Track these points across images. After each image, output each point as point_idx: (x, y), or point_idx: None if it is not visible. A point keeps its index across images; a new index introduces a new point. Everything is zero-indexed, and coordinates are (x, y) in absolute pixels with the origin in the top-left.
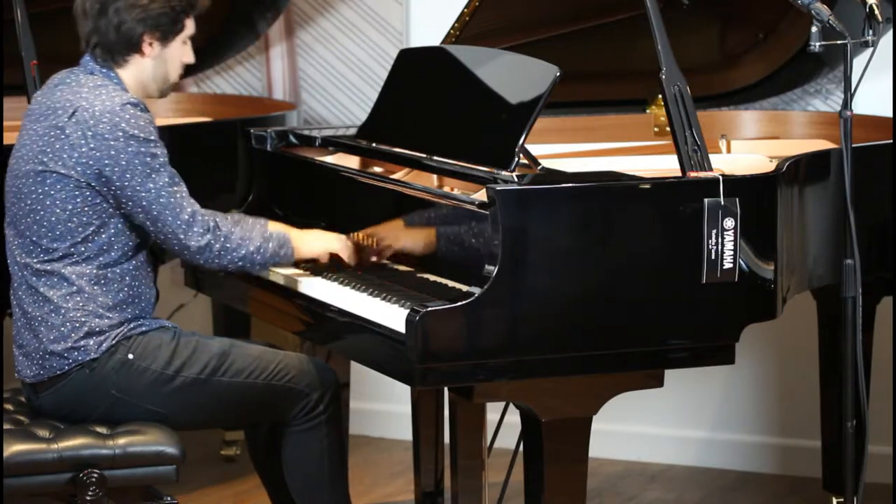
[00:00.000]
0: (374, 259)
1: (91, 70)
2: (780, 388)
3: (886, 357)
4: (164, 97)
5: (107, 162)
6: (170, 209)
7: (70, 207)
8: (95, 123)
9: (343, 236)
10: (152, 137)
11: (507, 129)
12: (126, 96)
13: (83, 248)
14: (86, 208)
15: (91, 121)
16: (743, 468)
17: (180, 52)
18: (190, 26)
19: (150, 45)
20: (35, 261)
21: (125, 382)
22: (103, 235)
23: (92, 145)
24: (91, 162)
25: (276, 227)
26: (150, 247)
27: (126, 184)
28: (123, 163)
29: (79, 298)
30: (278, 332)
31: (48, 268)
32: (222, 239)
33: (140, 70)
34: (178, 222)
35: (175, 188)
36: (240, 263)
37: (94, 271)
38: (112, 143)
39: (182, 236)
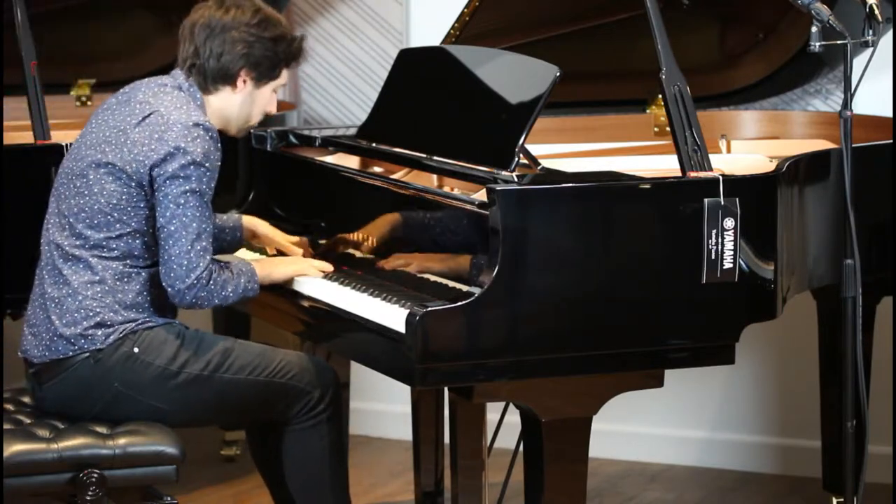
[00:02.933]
0: (382, 266)
1: (180, 85)
2: (780, 388)
3: (886, 357)
4: (238, 137)
5: (158, 162)
6: (187, 232)
7: (114, 202)
8: (165, 130)
9: (307, 260)
10: (206, 164)
11: (507, 129)
12: (204, 119)
13: (114, 245)
14: (129, 207)
15: (162, 126)
16: (743, 468)
17: (268, 98)
18: (284, 77)
19: (245, 82)
20: (66, 243)
21: (129, 376)
22: (137, 241)
23: (153, 147)
24: (146, 161)
25: (241, 260)
26: None
27: (165, 190)
28: (171, 170)
29: (99, 289)
30: (278, 331)
31: (77, 253)
32: (211, 283)
33: (226, 103)
34: (189, 248)
35: (202, 219)
36: (216, 302)
37: (120, 268)
38: (171, 149)
39: (185, 263)
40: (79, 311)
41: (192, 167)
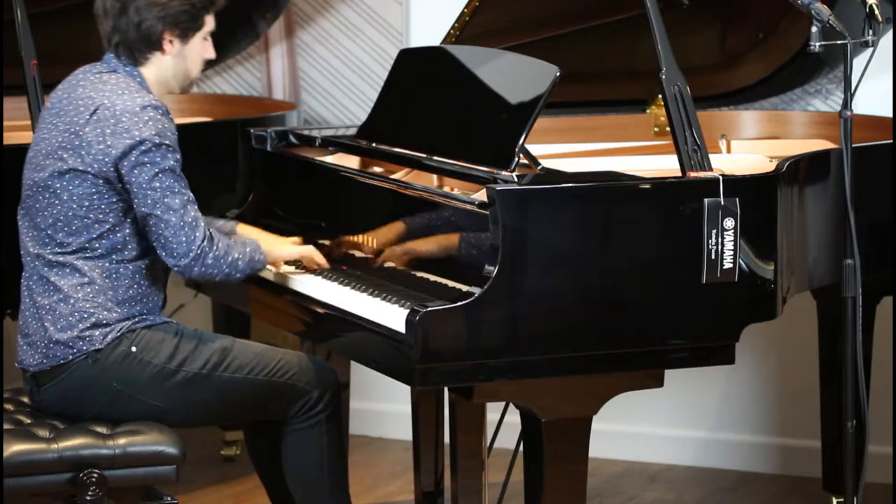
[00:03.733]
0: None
1: (114, 68)
2: (780, 388)
3: (886, 357)
4: (185, 92)
5: (119, 157)
6: (174, 210)
7: (87, 204)
8: (116, 122)
9: (307, 247)
10: (166, 142)
11: (507, 129)
12: (148, 98)
13: (97, 245)
14: (102, 205)
15: (112, 119)
16: (743, 468)
17: (201, 48)
18: (210, 22)
19: (171, 42)
20: (48, 252)
21: (127, 375)
22: (118, 234)
23: (109, 143)
24: (107, 159)
25: (245, 232)
26: None
27: (135, 180)
28: (133, 159)
29: (89, 290)
30: (278, 332)
31: (61, 259)
32: (215, 248)
33: (161, 67)
34: (181, 224)
35: (181, 192)
36: (225, 269)
37: (107, 265)
38: (127, 140)
39: (183, 239)
40: (73, 315)
41: (152, 150)
